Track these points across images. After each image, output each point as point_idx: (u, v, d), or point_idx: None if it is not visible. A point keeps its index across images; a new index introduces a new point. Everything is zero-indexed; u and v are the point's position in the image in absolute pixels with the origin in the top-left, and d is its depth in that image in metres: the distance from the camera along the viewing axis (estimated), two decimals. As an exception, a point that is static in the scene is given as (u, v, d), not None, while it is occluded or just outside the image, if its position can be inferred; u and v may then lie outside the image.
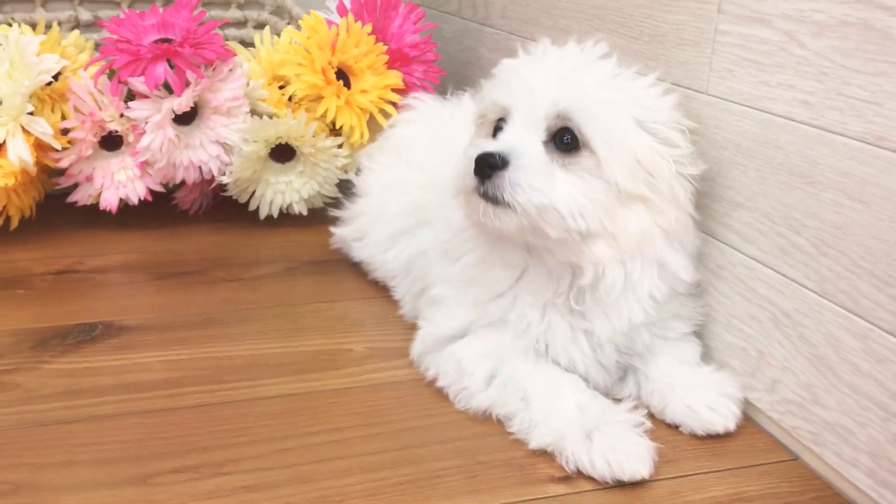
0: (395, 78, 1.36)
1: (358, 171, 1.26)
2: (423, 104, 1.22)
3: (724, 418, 0.86)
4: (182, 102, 1.24)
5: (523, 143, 0.82)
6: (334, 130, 1.36)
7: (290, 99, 1.33)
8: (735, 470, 0.81)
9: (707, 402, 0.86)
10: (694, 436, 0.86)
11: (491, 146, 0.83)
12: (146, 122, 1.25)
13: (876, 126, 0.72)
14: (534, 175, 0.80)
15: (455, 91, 1.24)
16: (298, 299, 1.15)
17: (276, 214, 1.39)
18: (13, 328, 1.03)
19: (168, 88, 1.25)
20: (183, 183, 1.34)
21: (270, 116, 1.31)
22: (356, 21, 1.34)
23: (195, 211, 1.44)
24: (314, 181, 1.37)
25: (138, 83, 1.23)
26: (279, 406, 0.89)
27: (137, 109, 1.24)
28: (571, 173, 0.82)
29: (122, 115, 1.26)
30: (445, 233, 0.96)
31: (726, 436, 0.86)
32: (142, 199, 1.32)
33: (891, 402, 0.73)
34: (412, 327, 1.06)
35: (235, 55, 1.28)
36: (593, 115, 0.82)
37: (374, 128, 1.35)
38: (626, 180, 0.82)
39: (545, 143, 0.83)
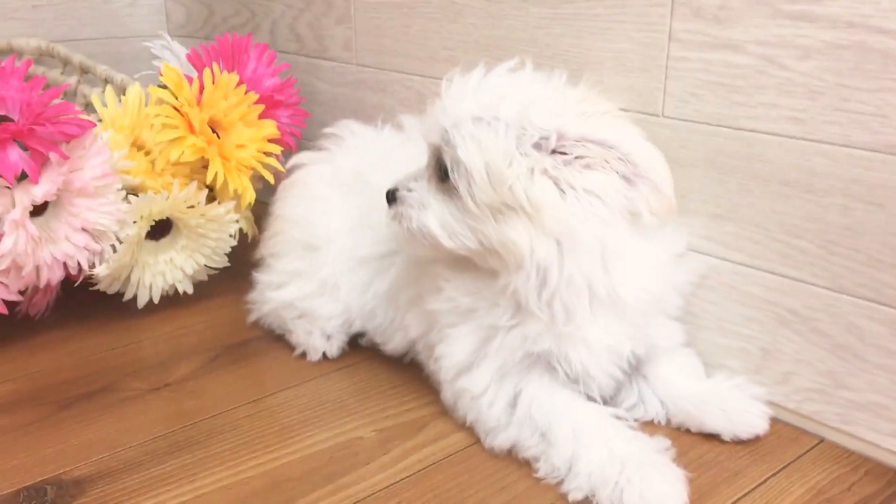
0: (270, 127, 1.23)
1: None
2: (352, 133, 1.14)
3: (761, 419, 0.91)
4: (47, 191, 1.02)
5: (411, 179, 0.90)
6: (209, 194, 1.21)
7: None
8: (789, 466, 0.87)
9: (742, 408, 0.91)
10: (737, 441, 0.90)
11: (394, 182, 0.92)
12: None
13: (885, 136, 0.81)
14: (408, 206, 0.89)
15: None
16: (256, 392, 1.01)
17: (157, 300, 1.20)
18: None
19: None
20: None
21: (135, 192, 1.13)
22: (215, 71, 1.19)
23: (42, 314, 1.20)
24: (199, 254, 1.21)
25: (-12, 175, 0.99)
26: (344, 525, 0.78)
27: (-12, 207, 1.00)
28: (445, 198, 0.86)
29: (-40, 217, 1.01)
30: None
31: (754, 438, 0.91)
32: (-3, 313, 1.07)
33: (929, 374, 0.83)
34: (405, 391, 1.01)
35: (95, 125, 1.08)
36: (449, 141, 0.83)
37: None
38: (481, 195, 0.81)
39: (432, 176, 0.87)
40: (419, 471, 0.86)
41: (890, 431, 0.87)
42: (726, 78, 0.91)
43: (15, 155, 1.00)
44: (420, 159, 0.94)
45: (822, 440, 0.92)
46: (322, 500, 0.81)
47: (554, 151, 0.80)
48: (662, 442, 0.84)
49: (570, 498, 0.81)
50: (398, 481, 0.84)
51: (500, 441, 0.87)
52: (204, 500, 0.81)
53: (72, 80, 1.43)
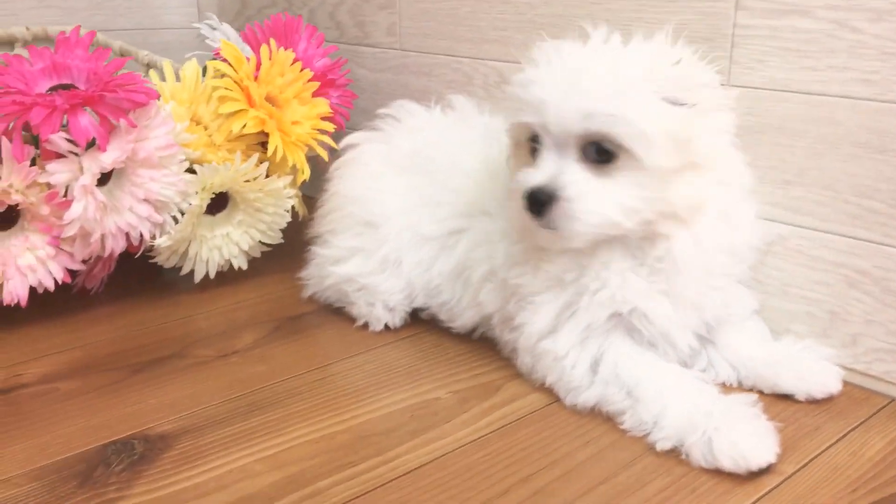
0: (323, 106, 1.25)
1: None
2: (409, 113, 1.14)
3: (835, 379, 0.92)
4: (115, 158, 1.02)
5: (562, 169, 0.83)
6: (263, 170, 1.21)
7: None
8: (866, 423, 0.88)
9: (815, 368, 0.92)
10: (811, 401, 0.91)
11: (535, 179, 0.84)
12: (67, 188, 1.02)
13: (962, 93, 0.83)
14: (583, 201, 0.83)
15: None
16: (322, 359, 1.01)
17: (213, 275, 1.20)
18: (25, 470, 0.78)
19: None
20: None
21: (194, 165, 1.13)
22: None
23: (97, 289, 1.20)
24: (255, 230, 1.21)
25: (61, 140, 0.99)
26: (438, 473, 0.78)
27: (58, 172, 1.00)
28: (614, 179, 0.83)
29: (28, 185, 1.01)
30: (505, 219, 0.95)
31: (828, 399, 0.92)
32: (60, 282, 1.07)
33: None
34: (472, 358, 1.01)
35: (159, 96, 1.09)
36: (620, 120, 0.81)
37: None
38: (668, 160, 0.83)
39: (582, 159, 0.83)
40: (502, 427, 0.87)
41: (964, 386, 0.88)
42: (794, 43, 0.93)
43: (86, 121, 1.00)
44: (479, 139, 1.01)
45: (893, 399, 0.93)
46: (411, 451, 0.82)
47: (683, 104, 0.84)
48: (750, 396, 0.85)
49: (658, 447, 0.82)
50: (483, 436, 0.85)
51: (584, 398, 0.88)
52: (293, 453, 0.81)
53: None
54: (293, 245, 1.24)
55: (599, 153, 0.83)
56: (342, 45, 1.53)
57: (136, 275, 1.22)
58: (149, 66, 1.38)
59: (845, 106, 0.91)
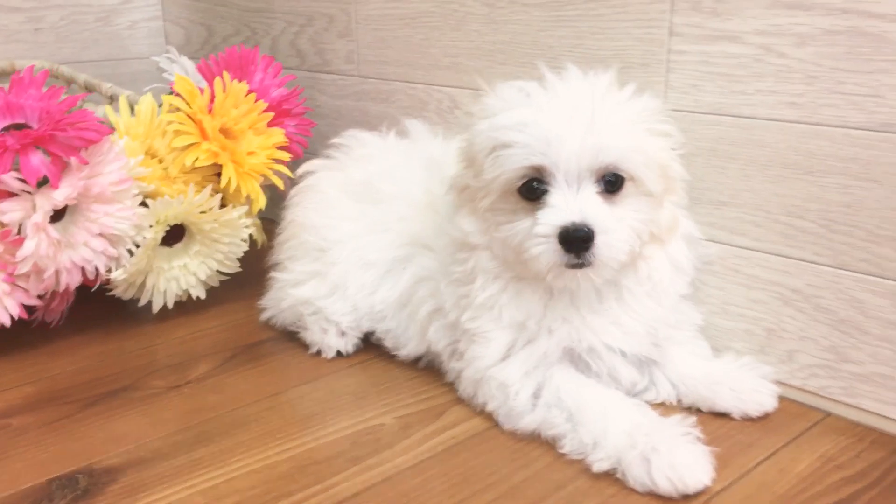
0: (279, 135, 1.27)
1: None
2: (360, 142, 1.17)
3: (770, 397, 0.94)
4: (67, 195, 1.04)
5: (583, 204, 0.84)
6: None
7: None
8: (798, 438, 0.90)
9: (751, 387, 0.94)
10: (747, 419, 0.93)
11: (566, 216, 0.83)
12: (21, 225, 1.04)
13: (880, 115, 0.85)
14: (616, 232, 0.84)
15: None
16: (274, 388, 1.03)
17: (171, 305, 1.22)
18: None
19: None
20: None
21: (149, 198, 1.15)
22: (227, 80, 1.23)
23: (57, 322, 1.22)
24: (212, 260, 1.23)
25: (12, 179, 1.02)
26: (373, 500, 0.80)
27: (10, 211, 1.02)
28: (622, 208, 0.87)
29: (-19, 222, 1.03)
30: (447, 257, 0.96)
31: (764, 416, 0.94)
32: (16, 318, 1.09)
33: (930, 342, 0.86)
34: (420, 382, 1.03)
35: (113, 131, 1.11)
36: (630, 151, 0.85)
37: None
38: (659, 186, 0.89)
39: (597, 193, 0.85)
40: (442, 451, 0.88)
41: (894, 401, 0.90)
42: (725, 68, 0.96)
43: (37, 160, 1.02)
44: (422, 170, 1.04)
45: (828, 414, 0.95)
46: (349, 479, 0.83)
47: None
48: (689, 419, 0.86)
49: (595, 468, 0.83)
50: (423, 460, 0.87)
51: (525, 423, 0.90)
52: (234, 484, 0.83)
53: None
54: (253, 273, 1.26)
55: (608, 184, 0.86)
56: (304, 72, 1.55)
57: (97, 306, 1.24)
58: (112, 98, 1.40)
59: (774, 129, 0.93)
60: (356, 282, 1.07)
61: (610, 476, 0.83)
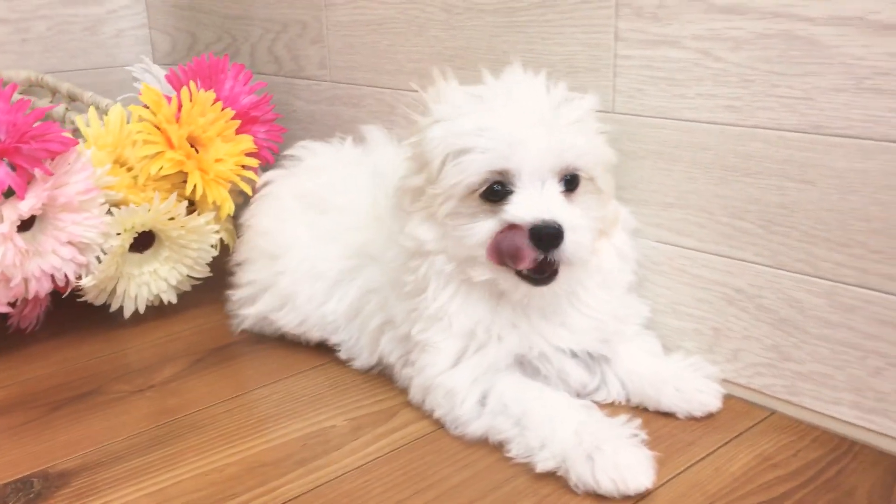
0: (247, 142, 1.29)
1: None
2: (312, 153, 1.19)
3: (714, 398, 0.95)
4: (32, 205, 1.08)
5: (549, 202, 0.85)
6: (190, 207, 1.27)
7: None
8: (740, 437, 0.91)
9: (696, 387, 0.95)
10: (691, 419, 0.94)
11: (533, 213, 0.84)
12: (-12, 236, 1.07)
13: (812, 117, 0.86)
14: (586, 236, 0.87)
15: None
16: (233, 391, 1.06)
17: (142, 310, 1.25)
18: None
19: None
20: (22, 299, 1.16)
21: (119, 206, 1.18)
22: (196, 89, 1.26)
23: (33, 327, 1.25)
24: (181, 265, 1.26)
25: (-23, 192, 1.05)
26: (315, 501, 0.82)
27: (-23, 222, 1.06)
28: (579, 206, 0.89)
29: (-49, 233, 1.07)
30: (395, 268, 0.97)
31: (707, 415, 0.95)
32: (-12, 325, 1.12)
33: (865, 342, 0.87)
34: (377, 384, 1.05)
35: (78, 143, 1.14)
36: (587, 150, 0.89)
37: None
38: (609, 184, 0.94)
39: (560, 193, 0.87)
40: (388, 452, 0.91)
41: (832, 399, 0.91)
42: (667, 72, 0.97)
43: (2, 172, 1.06)
44: (368, 180, 1.06)
45: (773, 412, 0.96)
46: (294, 481, 0.86)
47: None
48: (634, 421, 0.87)
49: (540, 468, 0.84)
50: (368, 462, 0.89)
51: (472, 430, 0.91)
52: (182, 487, 0.86)
53: (60, 109, 1.49)
54: (225, 275, 1.29)
55: (567, 184, 0.88)
56: (280, 77, 1.58)
57: (75, 311, 1.27)
58: (97, 107, 1.43)
59: (714, 132, 0.94)
60: (305, 292, 1.09)
61: (547, 476, 0.85)
